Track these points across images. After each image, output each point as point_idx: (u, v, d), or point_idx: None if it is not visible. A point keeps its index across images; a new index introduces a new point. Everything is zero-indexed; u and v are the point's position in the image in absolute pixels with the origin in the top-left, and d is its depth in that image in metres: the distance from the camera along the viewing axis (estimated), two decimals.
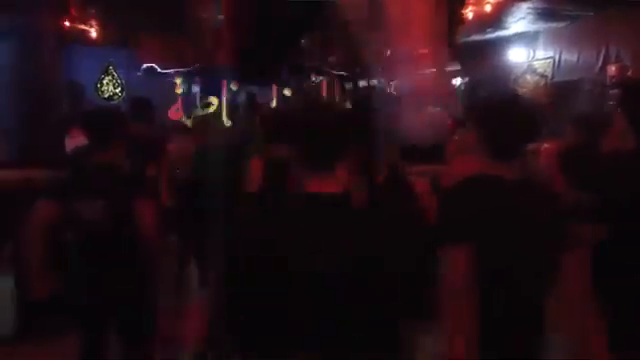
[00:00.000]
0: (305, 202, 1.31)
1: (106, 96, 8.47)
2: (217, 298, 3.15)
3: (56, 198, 2.30)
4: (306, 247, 1.23)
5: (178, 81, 8.73)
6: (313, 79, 9.15)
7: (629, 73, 5.58)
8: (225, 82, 8.93)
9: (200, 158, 3.48)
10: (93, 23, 6.61)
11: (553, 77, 6.87)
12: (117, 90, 8.54)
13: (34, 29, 3.32)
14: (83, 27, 6.46)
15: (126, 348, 2.44)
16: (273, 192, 2.57)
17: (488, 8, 5.23)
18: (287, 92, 9.11)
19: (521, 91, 7.27)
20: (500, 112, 1.53)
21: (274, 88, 8.92)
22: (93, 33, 6.73)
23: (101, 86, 8.43)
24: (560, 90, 6.59)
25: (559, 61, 6.78)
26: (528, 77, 7.19)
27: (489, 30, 6.93)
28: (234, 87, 9.05)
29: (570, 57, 6.60)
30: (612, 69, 5.74)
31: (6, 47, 3.43)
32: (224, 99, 8.94)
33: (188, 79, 8.73)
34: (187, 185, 4.29)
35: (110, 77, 8.51)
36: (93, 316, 2.40)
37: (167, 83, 8.55)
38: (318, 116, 1.35)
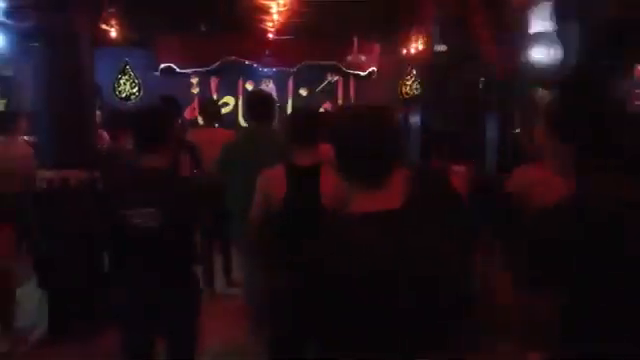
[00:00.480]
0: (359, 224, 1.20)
1: (123, 96, 8.48)
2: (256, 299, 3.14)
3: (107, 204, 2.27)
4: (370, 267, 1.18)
5: (194, 81, 8.75)
6: (329, 78, 9.14)
7: None
8: (241, 82, 8.95)
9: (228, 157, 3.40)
10: (113, 23, 6.61)
11: None
12: (134, 90, 8.54)
13: (69, 29, 3.31)
14: (104, 27, 6.46)
15: (171, 351, 2.42)
16: (297, 202, 2.50)
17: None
18: (303, 92, 9.12)
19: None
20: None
21: None
22: (113, 33, 6.73)
23: (118, 86, 8.44)
24: None
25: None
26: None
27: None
28: (250, 86, 9.06)
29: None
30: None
31: (41, 47, 3.41)
32: (240, 99, 8.97)
33: (205, 79, 8.75)
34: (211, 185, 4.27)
35: (127, 77, 8.51)
36: (139, 321, 2.36)
37: (184, 83, 8.55)
38: (373, 126, 1.22)
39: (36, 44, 3.37)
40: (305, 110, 2.74)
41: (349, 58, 7.52)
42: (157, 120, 2.30)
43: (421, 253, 1.20)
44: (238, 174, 3.24)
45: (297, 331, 1.28)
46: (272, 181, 2.50)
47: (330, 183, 2.47)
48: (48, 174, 3.35)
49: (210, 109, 4.55)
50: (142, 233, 2.22)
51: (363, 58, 7.63)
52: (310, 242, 1.26)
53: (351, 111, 1.29)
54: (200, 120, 8.15)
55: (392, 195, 1.25)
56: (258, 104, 3.33)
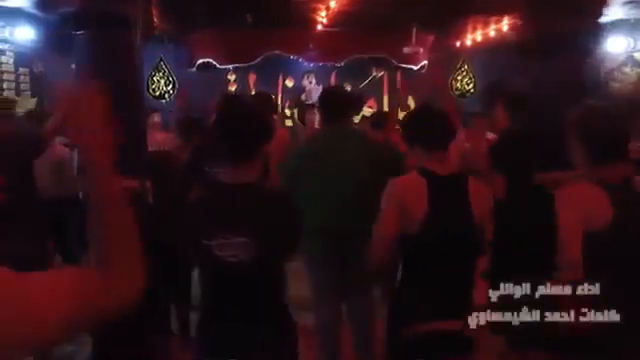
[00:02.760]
0: None
1: (157, 94, 7.99)
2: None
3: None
4: None
5: (232, 77, 8.24)
6: (374, 73, 8.54)
7: None
8: (281, 77, 8.43)
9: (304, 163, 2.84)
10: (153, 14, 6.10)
11: None
12: (169, 88, 8.05)
13: (118, 17, 2.78)
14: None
15: None
16: (445, 224, 1.88)
17: None
18: (346, 87, 8.53)
19: (618, 85, 6.56)
20: None
21: None
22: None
23: (152, 83, 7.95)
24: None
25: None
26: (627, 69, 6.46)
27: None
28: (290, 83, 8.54)
29: None
30: None
31: (87, 37, 2.90)
32: (280, 96, 8.45)
33: (242, 75, 8.23)
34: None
35: (161, 73, 8.02)
36: None
37: (220, 79, 8.02)
38: None
39: (76, 32, 2.86)
40: (431, 107, 2.13)
41: (405, 50, 6.89)
42: (257, 125, 1.75)
43: None
44: (314, 184, 2.71)
45: None
46: (410, 192, 1.88)
47: (482, 200, 1.93)
48: None
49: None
50: (232, 269, 1.69)
51: (421, 50, 7.00)
52: None
53: None
54: None
55: None
56: (336, 102, 2.79)
